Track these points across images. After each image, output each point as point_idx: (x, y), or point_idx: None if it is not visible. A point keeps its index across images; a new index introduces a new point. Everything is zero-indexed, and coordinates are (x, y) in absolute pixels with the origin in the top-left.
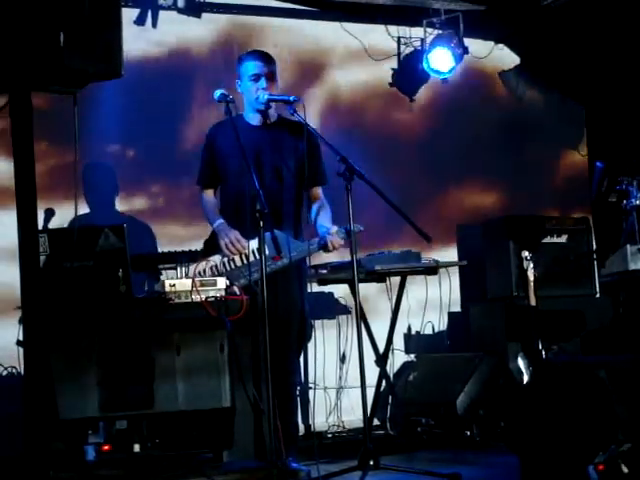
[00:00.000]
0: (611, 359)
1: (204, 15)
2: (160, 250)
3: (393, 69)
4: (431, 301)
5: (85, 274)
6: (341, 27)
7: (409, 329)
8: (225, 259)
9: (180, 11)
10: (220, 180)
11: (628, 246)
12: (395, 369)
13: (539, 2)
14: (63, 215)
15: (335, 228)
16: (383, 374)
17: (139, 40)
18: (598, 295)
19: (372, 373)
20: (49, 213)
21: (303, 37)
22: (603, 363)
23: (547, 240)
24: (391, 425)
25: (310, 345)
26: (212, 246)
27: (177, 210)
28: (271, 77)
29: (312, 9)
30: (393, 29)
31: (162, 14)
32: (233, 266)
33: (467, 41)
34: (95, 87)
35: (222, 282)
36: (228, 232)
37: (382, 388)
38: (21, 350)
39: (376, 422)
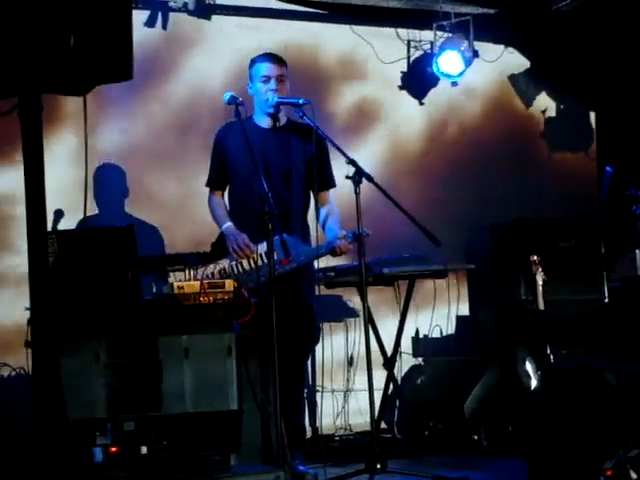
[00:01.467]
0: (620, 363)
1: (214, 17)
2: (168, 252)
3: (402, 72)
4: (439, 304)
5: (94, 276)
6: (351, 30)
7: (417, 332)
8: (233, 262)
9: (190, 13)
10: (229, 182)
11: (638, 251)
12: (403, 372)
13: (549, 6)
14: (72, 216)
15: (343, 232)
16: (391, 377)
17: (149, 41)
18: (607, 300)
19: (380, 376)
20: (58, 214)
21: (313, 40)
22: (612, 367)
23: (556, 244)
24: (398, 428)
25: (318, 348)
26: (220, 248)
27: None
28: (281, 79)
29: (322, 12)
30: (403, 32)
31: (172, 16)
32: (241, 269)
33: (477, 44)
34: (105, 88)
35: (230, 284)
36: (236, 236)
37: (390, 391)
38: (29, 351)
39: (383, 425)
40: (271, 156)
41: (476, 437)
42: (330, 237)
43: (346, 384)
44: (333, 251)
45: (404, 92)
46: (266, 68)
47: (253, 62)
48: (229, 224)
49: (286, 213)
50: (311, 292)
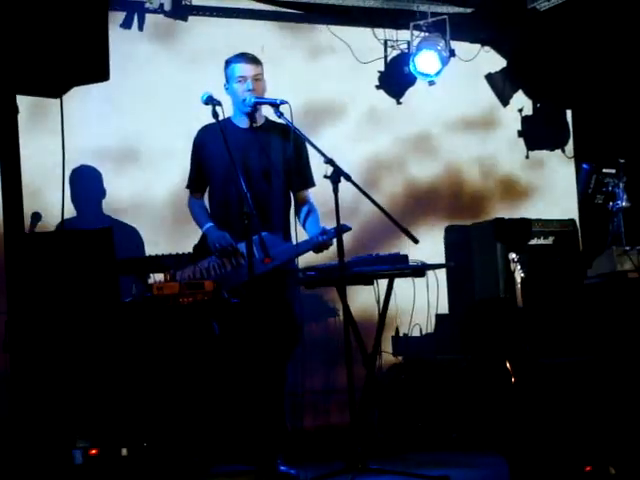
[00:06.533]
0: (597, 359)
1: (191, 18)
2: (147, 253)
3: (380, 72)
4: (419, 303)
5: (72, 278)
6: (328, 30)
7: (397, 331)
8: (214, 263)
9: (167, 14)
10: (208, 183)
11: (614, 247)
12: (383, 371)
13: (525, 5)
14: (50, 219)
15: (324, 228)
16: (371, 376)
17: (125, 43)
18: (584, 296)
19: (360, 375)
20: (36, 217)
21: (290, 40)
22: (590, 362)
23: (534, 242)
24: (379, 427)
25: (298, 347)
26: (202, 250)
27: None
28: (257, 79)
29: (299, 12)
30: (380, 32)
31: (148, 17)
32: (223, 270)
33: (454, 44)
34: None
35: (210, 285)
36: (218, 234)
37: (370, 390)
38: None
39: (364, 424)
40: (251, 155)
41: (456, 435)
42: (311, 234)
43: (326, 384)
44: (315, 247)
45: (381, 91)
46: (241, 69)
47: (228, 63)
48: (210, 224)
49: (267, 211)
50: (294, 293)
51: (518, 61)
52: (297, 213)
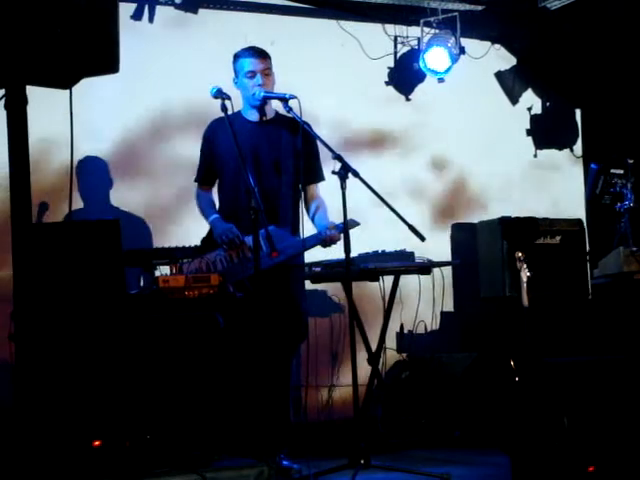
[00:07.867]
0: (603, 359)
1: (201, 11)
2: (155, 245)
3: (389, 68)
4: (424, 300)
5: (78, 269)
6: (338, 25)
7: (401, 328)
8: (221, 256)
9: (177, 7)
10: (217, 176)
11: (621, 248)
12: (387, 368)
13: (536, 4)
14: (57, 210)
15: (333, 223)
16: (375, 373)
17: (136, 35)
18: (590, 297)
19: (364, 371)
20: (43, 207)
21: (300, 34)
22: (595, 362)
23: (541, 241)
24: (382, 424)
25: (303, 342)
26: (209, 244)
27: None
28: (266, 73)
29: (309, 6)
30: (390, 28)
31: (159, 9)
32: (229, 263)
33: (464, 41)
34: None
35: (216, 279)
36: (224, 226)
37: (374, 387)
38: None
39: (367, 420)
40: (261, 149)
41: (459, 433)
42: (319, 227)
43: (330, 379)
44: (323, 241)
45: (391, 87)
46: (250, 63)
47: (237, 57)
48: (216, 216)
49: (276, 204)
50: (300, 288)
51: (528, 59)
52: (306, 208)
